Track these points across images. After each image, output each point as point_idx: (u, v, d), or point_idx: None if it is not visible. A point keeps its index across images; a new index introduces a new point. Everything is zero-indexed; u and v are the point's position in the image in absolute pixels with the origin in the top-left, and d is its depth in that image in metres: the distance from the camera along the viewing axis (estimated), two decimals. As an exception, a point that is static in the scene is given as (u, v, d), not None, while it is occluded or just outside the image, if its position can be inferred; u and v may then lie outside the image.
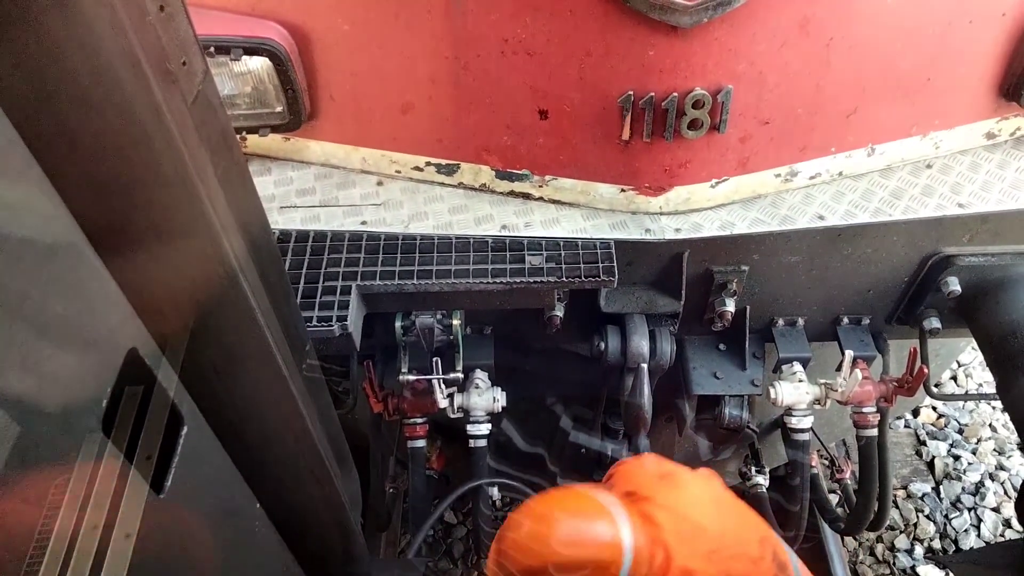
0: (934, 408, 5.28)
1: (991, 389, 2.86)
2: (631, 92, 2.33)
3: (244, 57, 2.43)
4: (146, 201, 1.16)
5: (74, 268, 1.12)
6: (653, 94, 2.32)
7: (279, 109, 2.61)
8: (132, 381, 1.24)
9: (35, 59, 0.93)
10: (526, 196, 2.72)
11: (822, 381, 2.96)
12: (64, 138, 1.02)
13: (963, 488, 4.83)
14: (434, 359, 2.71)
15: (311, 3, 2.44)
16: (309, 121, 2.71)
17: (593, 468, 3.55)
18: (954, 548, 4.57)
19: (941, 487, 4.85)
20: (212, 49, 2.39)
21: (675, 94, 2.32)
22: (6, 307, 0.96)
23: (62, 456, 1.10)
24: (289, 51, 2.48)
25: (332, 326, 2.36)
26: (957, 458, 4.98)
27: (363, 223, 2.65)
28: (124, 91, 1.02)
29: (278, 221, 2.66)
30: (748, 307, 2.92)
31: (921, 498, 4.79)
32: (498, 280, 2.50)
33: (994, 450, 5.02)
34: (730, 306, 2.81)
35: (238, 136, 2.60)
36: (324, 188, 2.78)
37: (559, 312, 2.76)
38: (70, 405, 1.11)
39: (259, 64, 2.48)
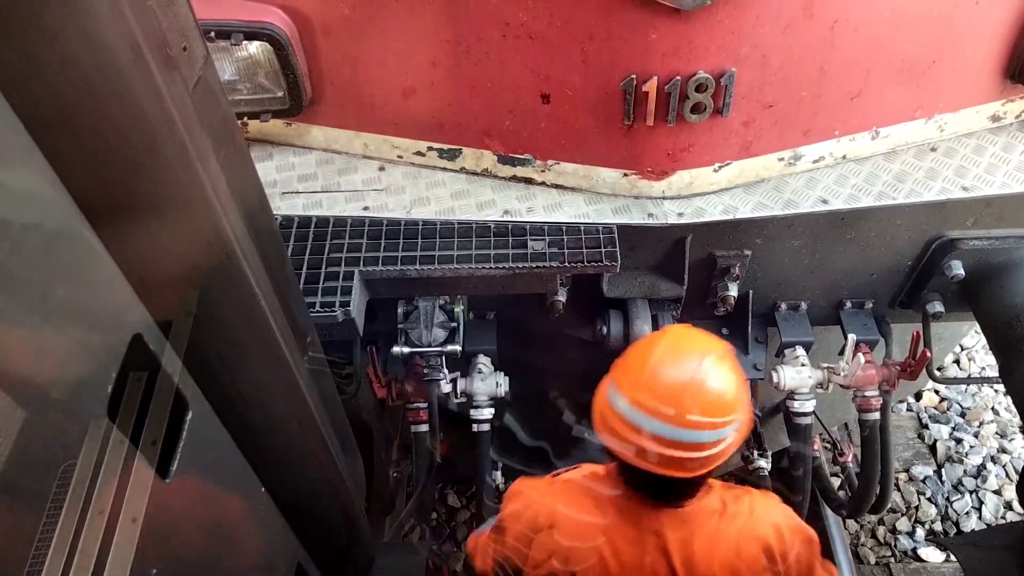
0: (936, 391, 5.28)
1: (994, 372, 2.85)
2: (634, 75, 2.31)
3: (244, 42, 2.42)
4: (148, 187, 1.16)
5: (77, 254, 1.12)
6: (656, 77, 2.31)
7: (280, 94, 2.60)
8: (137, 366, 1.24)
9: (35, 44, 0.92)
10: (528, 181, 2.71)
11: (825, 365, 2.96)
12: (65, 124, 1.02)
13: (965, 471, 4.83)
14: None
15: (311, -13, 2.42)
16: (310, 106, 2.70)
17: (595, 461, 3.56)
18: (955, 530, 4.59)
19: (943, 470, 4.86)
20: (212, 34, 2.38)
21: (678, 77, 2.30)
22: (12, 292, 0.96)
23: (68, 441, 1.11)
24: (290, 35, 2.47)
25: (335, 311, 2.37)
26: (959, 441, 4.98)
27: (365, 208, 2.64)
28: (125, 76, 1.01)
29: (280, 207, 2.66)
30: (751, 291, 2.92)
31: (923, 481, 4.80)
32: (501, 265, 2.50)
33: (996, 433, 5.03)
34: (733, 290, 2.80)
35: (239, 121, 2.59)
36: (326, 173, 2.77)
37: (562, 297, 2.76)
38: (75, 390, 1.12)
39: (260, 49, 2.47)
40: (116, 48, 0.98)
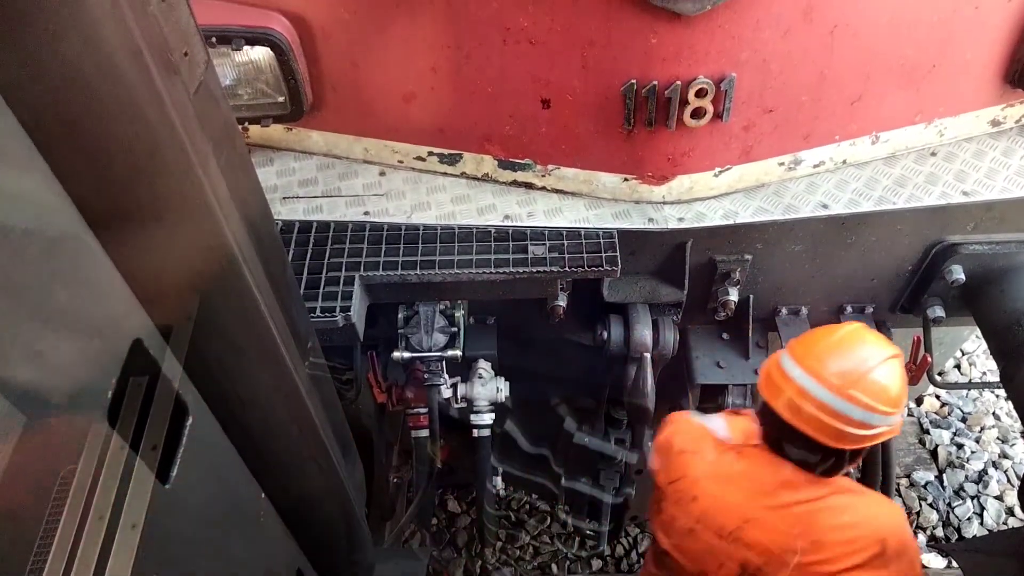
0: (937, 396, 5.28)
1: (995, 377, 2.86)
2: (634, 81, 2.32)
3: (246, 47, 2.42)
4: (149, 192, 1.16)
5: (78, 259, 1.12)
6: (656, 82, 2.31)
7: (281, 99, 2.60)
8: (137, 371, 1.24)
9: (37, 50, 0.92)
10: (529, 186, 2.71)
11: (825, 370, 2.96)
12: (67, 129, 1.02)
13: (966, 476, 4.82)
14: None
15: (312, -8, 2.43)
16: (311, 111, 2.70)
17: (597, 468, 3.56)
18: (957, 536, 4.58)
19: (944, 475, 4.85)
20: (214, 39, 2.38)
21: (678, 82, 2.31)
22: (13, 298, 0.96)
23: (68, 447, 1.11)
24: (291, 41, 2.47)
25: (335, 316, 2.36)
26: (960, 446, 4.97)
27: (366, 213, 2.65)
28: (126, 82, 1.01)
29: (280, 212, 2.66)
30: (751, 296, 2.92)
31: (924, 486, 4.79)
32: (501, 270, 2.50)
33: (997, 438, 5.01)
34: (733, 295, 2.80)
35: (240, 126, 2.59)
36: (326, 178, 2.78)
37: (562, 302, 2.76)
38: (76, 395, 1.12)
39: (261, 54, 2.47)
40: (117, 54, 0.98)
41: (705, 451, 2.18)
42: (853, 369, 1.89)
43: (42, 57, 0.94)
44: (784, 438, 2.00)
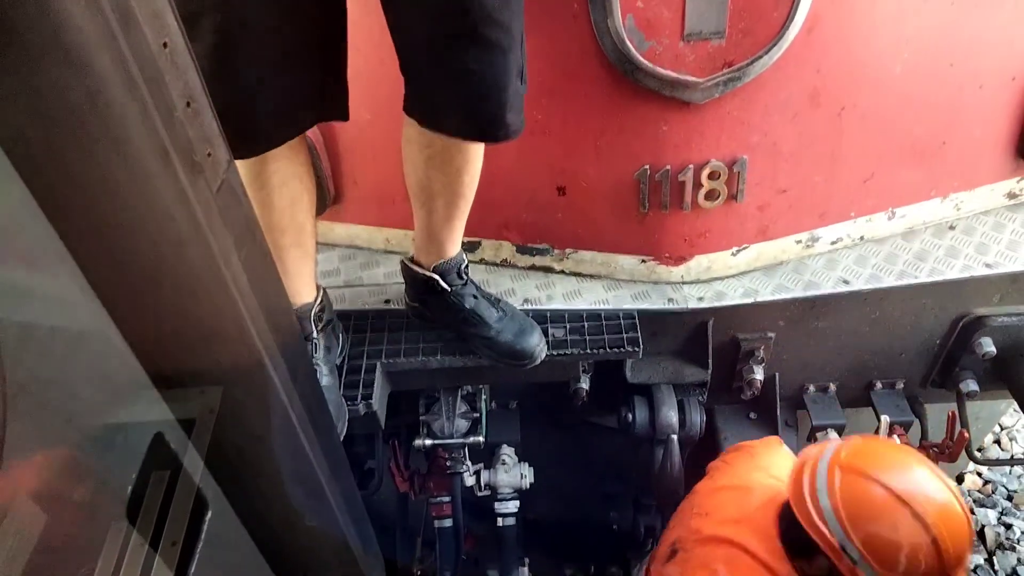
0: (979, 474, 5.07)
1: (1037, 453, 2.75)
2: (647, 166, 2.37)
3: (270, 146, 2.51)
4: (172, 286, 1.18)
5: (102, 355, 1.14)
6: (669, 167, 2.36)
7: (304, 194, 2.67)
8: (158, 466, 1.24)
9: (69, 153, 0.97)
10: (547, 270, 2.74)
11: (859, 449, 2.88)
12: (95, 227, 1.06)
13: (1019, 559, 4.57)
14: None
15: (334, 93, 2.53)
16: (333, 205, 2.78)
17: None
18: (1016, 625, 4.31)
19: (995, 558, 4.60)
20: (240, 139, 2.48)
21: (691, 166, 2.35)
22: (38, 396, 0.98)
23: (87, 545, 1.10)
24: (314, 140, 2.56)
25: (357, 405, 2.36)
26: (1009, 527, 4.74)
27: (387, 301, 2.67)
28: (154, 182, 1.06)
29: (303, 302, 2.69)
30: (777, 374, 2.87)
31: (974, 571, 4.54)
32: (522, 354, 2.49)
33: (1048, 517, 4.79)
34: (758, 374, 2.76)
35: (265, 221, 2.66)
36: (348, 268, 2.83)
37: (585, 384, 2.74)
38: (96, 492, 1.11)
39: (285, 152, 2.56)
40: (146, 157, 1.03)
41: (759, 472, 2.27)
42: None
43: (73, 159, 0.99)
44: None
